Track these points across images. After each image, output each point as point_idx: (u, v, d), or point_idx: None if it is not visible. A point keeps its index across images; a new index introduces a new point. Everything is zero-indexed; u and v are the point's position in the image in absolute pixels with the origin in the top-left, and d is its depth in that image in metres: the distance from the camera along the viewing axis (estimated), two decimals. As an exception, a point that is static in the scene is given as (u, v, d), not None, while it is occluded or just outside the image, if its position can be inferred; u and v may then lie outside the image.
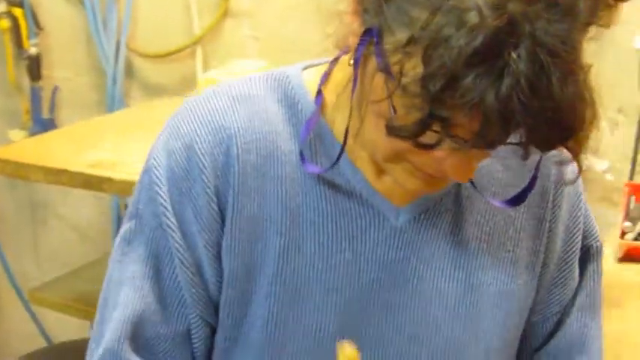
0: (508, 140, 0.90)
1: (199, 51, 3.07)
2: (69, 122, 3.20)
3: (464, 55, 0.85)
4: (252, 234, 1.08)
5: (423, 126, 0.89)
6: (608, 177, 2.65)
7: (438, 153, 0.95)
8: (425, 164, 1.00)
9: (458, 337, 1.14)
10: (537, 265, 1.19)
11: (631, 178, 2.56)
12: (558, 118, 0.88)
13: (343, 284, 1.09)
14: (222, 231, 1.08)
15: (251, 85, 1.12)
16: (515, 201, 1.08)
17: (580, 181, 1.23)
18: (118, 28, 3.15)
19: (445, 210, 1.13)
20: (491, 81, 0.85)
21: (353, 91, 1.01)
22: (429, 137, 0.90)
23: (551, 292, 1.22)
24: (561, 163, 1.17)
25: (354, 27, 0.96)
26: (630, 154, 2.56)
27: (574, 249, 1.23)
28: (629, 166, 2.58)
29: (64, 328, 3.08)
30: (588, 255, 1.26)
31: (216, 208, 1.07)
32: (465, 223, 1.14)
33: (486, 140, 0.89)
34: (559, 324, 1.24)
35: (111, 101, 3.18)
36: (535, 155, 0.96)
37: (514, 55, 0.85)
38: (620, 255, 2.17)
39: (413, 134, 0.91)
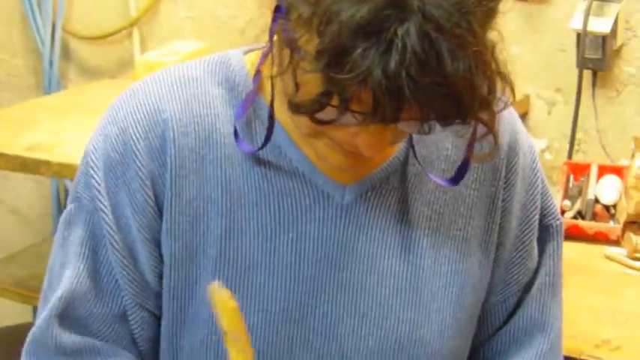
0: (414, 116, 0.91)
1: (136, 32, 3.04)
2: (5, 105, 3.15)
3: (349, 27, 0.85)
4: (193, 216, 1.07)
5: (321, 102, 0.90)
6: (547, 156, 2.68)
7: (352, 128, 0.96)
8: (341, 139, 1.00)
9: (410, 316, 1.13)
10: (491, 243, 1.19)
11: (569, 157, 2.58)
12: (452, 93, 0.88)
13: (289, 264, 1.09)
14: (159, 215, 1.07)
15: (191, 69, 1.12)
16: (454, 180, 1.09)
17: (537, 160, 1.23)
18: (54, 9, 3.10)
19: (392, 188, 1.13)
20: (379, 56, 0.85)
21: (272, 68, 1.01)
22: (330, 113, 0.91)
23: (509, 271, 1.22)
24: (512, 141, 1.17)
25: (269, 3, 0.97)
26: (568, 133, 2.58)
27: (531, 228, 1.22)
28: (567, 145, 2.60)
29: (4, 313, 3.04)
30: (547, 234, 1.25)
31: (150, 192, 1.07)
32: (414, 202, 1.14)
33: (381, 116, 0.89)
34: (519, 304, 1.24)
35: (48, 84, 3.13)
36: (481, 131, 0.97)
37: (402, 30, 0.85)
38: (559, 233, 2.19)
39: (312, 110, 0.92)
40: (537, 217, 1.22)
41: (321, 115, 0.92)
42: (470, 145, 1.03)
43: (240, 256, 1.08)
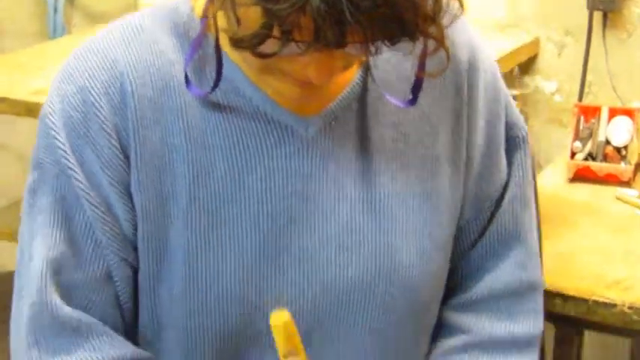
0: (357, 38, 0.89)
1: (140, -24, 3.02)
2: (10, 51, 3.13)
3: None
4: (159, 166, 1.06)
5: (261, 35, 0.89)
6: (557, 98, 2.66)
7: (300, 58, 0.94)
8: (292, 72, 1.00)
9: (387, 241, 1.12)
10: (460, 160, 1.18)
11: (580, 99, 2.56)
12: (394, 13, 0.87)
13: (260, 201, 1.08)
14: (128, 168, 1.06)
15: (141, 19, 1.10)
16: (411, 100, 1.08)
17: (498, 73, 1.23)
18: (58, -46, 3.07)
19: (355, 116, 1.12)
20: None
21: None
22: (273, 45, 0.90)
23: (479, 186, 1.22)
24: (471, 57, 1.17)
25: None
26: (578, 75, 2.56)
27: (497, 140, 1.22)
28: (577, 88, 2.58)
29: (10, 258, 3.02)
30: (514, 145, 1.25)
31: (117, 145, 1.05)
32: (378, 126, 1.13)
33: (324, 42, 0.88)
34: (492, 217, 1.24)
35: (52, 29, 3.11)
36: (441, 53, 0.96)
37: None
38: (570, 175, 2.18)
39: (253, 44, 0.90)
40: (502, 130, 1.23)
41: (264, 49, 0.91)
42: (421, 62, 1.02)
43: (211, 200, 1.07)
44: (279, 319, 0.93)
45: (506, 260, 1.25)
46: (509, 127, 1.24)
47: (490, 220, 1.24)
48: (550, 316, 1.73)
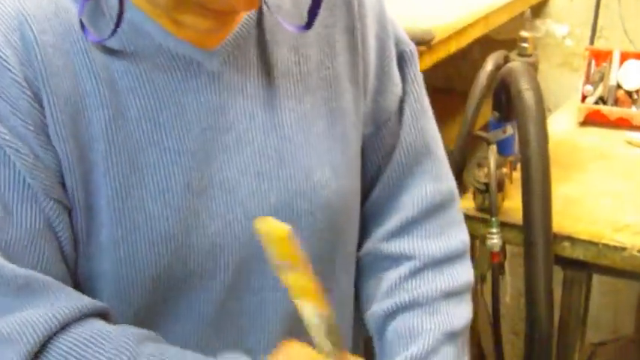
0: None
1: None
2: None
3: None
4: (74, 113, 1.03)
5: None
6: (568, 42, 2.64)
7: None
8: (212, 1, 1.00)
9: (303, 163, 1.13)
10: (359, 75, 1.20)
11: (591, 42, 2.54)
12: None
13: (177, 139, 1.06)
14: (45, 117, 1.02)
15: None
16: (306, 25, 1.10)
17: None
18: None
19: (255, 44, 1.12)
20: None
21: None
22: None
23: (376, 101, 1.23)
24: None
25: None
26: (590, 19, 2.53)
27: (389, 56, 1.23)
28: (589, 32, 2.56)
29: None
30: (404, 60, 1.26)
31: (30, 94, 1.01)
32: (279, 51, 1.13)
33: None
34: (396, 135, 1.25)
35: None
36: None
37: None
38: (580, 119, 2.17)
39: None
40: (393, 45, 1.24)
41: None
42: None
43: (129, 143, 1.05)
44: (271, 226, 0.90)
45: (421, 176, 1.26)
46: (397, 42, 1.25)
47: (395, 139, 1.25)
48: (559, 260, 1.74)
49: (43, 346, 0.99)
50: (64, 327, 1.00)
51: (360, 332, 1.32)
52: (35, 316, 0.99)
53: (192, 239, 1.07)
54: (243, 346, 1.12)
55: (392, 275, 1.25)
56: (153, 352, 0.99)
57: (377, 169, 1.26)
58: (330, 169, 1.16)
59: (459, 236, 1.28)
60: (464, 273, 1.27)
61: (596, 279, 1.98)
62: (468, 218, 1.80)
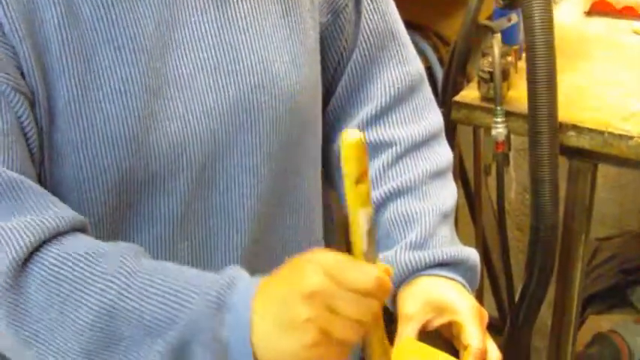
0: None
1: None
2: None
3: None
4: (27, 12, 0.99)
5: None
6: None
7: None
8: None
9: (260, 55, 1.11)
10: None
11: None
12: None
13: (132, 37, 1.03)
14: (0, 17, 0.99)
15: None
16: None
17: None
18: None
19: None
20: None
21: None
22: None
23: None
24: None
25: None
26: None
27: None
28: None
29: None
30: None
31: None
32: None
33: None
34: (356, 22, 1.23)
35: None
36: None
37: None
38: (586, 9, 2.13)
39: None
40: None
41: None
42: None
43: (83, 43, 1.01)
44: (353, 138, 0.88)
45: (387, 61, 1.25)
46: None
47: (357, 26, 1.23)
48: (564, 150, 1.72)
49: (32, 254, 0.96)
50: (54, 237, 0.98)
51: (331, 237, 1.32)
52: (24, 223, 0.96)
53: (152, 140, 1.04)
54: (212, 247, 1.11)
55: (374, 165, 1.24)
56: (149, 266, 0.97)
57: (340, 60, 1.24)
58: (289, 59, 1.13)
59: (433, 116, 1.28)
60: (444, 152, 1.27)
61: (602, 174, 1.96)
62: (472, 108, 1.80)
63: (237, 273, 0.95)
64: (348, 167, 0.88)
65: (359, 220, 0.89)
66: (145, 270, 0.96)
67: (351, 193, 0.89)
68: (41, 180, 1.03)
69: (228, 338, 0.91)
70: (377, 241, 0.92)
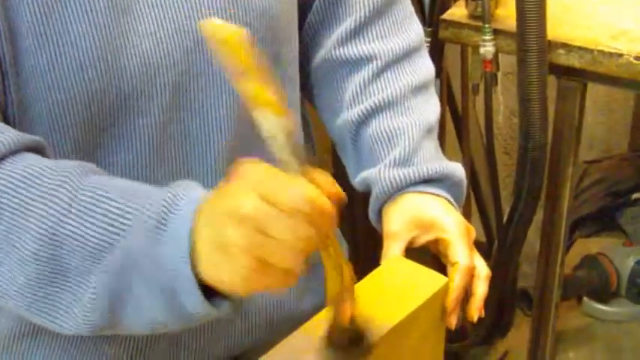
0: None
1: None
2: None
3: None
4: None
5: None
6: None
7: None
8: None
9: None
10: None
11: None
12: None
13: None
14: None
15: None
16: None
17: None
18: None
19: None
20: None
21: None
22: None
23: None
24: None
25: None
26: None
27: None
28: None
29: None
30: None
31: None
32: None
33: None
34: None
35: None
36: None
37: None
38: None
39: None
40: None
41: None
42: None
43: None
44: (220, 29, 0.79)
45: None
46: None
47: None
48: (553, 69, 1.69)
49: None
50: None
51: (309, 141, 1.28)
52: None
53: (123, 60, 0.99)
54: (190, 172, 1.07)
55: (355, 80, 1.21)
56: (95, 184, 0.91)
57: None
58: None
59: (414, 29, 1.24)
60: (425, 65, 1.24)
61: (590, 98, 1.93)
62: (460, 26, 1.76)
63: (182, 191, 0.89)
64: (227, 65, 0.79)
65: (263, 124, 0.79)
66: (89, 188, 0.90)
67: (241, 93, 0.80)
68: (7, 109, 0.99)
69: (169, 264, 0.85)
70: (298, 144, 0.81)
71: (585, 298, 2.11)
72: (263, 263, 0.79)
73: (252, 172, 0.81)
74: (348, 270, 0.87)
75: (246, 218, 0.78)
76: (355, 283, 0.89)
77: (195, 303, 0.86)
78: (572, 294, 2.10)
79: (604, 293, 2.09)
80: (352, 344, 0.91)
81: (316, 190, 0.79)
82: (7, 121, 0.98)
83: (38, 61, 0.97)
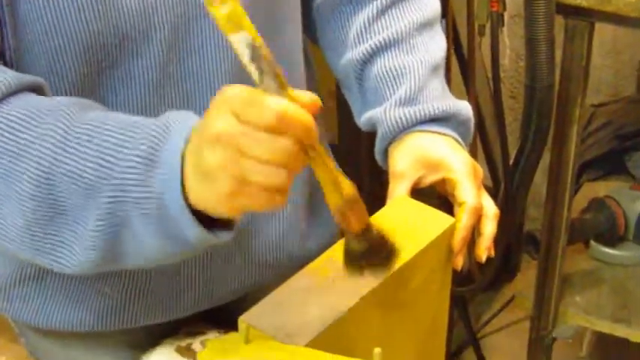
0: None
1: None
2: None
3: None
4: None
5: None
6: None
7: None
8: None
9: None
10: None
11: None
12: None
13: None
14: None
15: None
16: None
17: None
18: None
19: None
20: None
21: None
22: None
23: None
24: None
25: None
26: None
27: None
28: None
29: None
30: None
31: None
32: None
33: None
34: None
35: None
36: None
37: None
38: None
39: None
40: None
41: None
42: None
43: None
44: None
45: None
46: None
47: None
48: (560, 8, 1.66)
49: None
50: None
51: (312, 83, 1.26)
52: None
53: (120, 1, 0.97)
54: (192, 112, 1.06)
55: (359, 18, 1.19)
56: (90, 119, 0.90)
57: None
58: None
59: None
60: (431, 2, 1.21)
61: (597, 40, 1.89)
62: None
63: (174, 119, 0.88)
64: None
65: (235, 47, 0.79)
66: (84, 123, 0.89)
67: (215, 18, 0.79)
68: (6, 55, 0.97)
69: (161, 194, 0.85)
70: (277, 65, 0.80)
71: (592, 242, 2.08)
72: (243, 182, 0.79)
73: (229, 94, 0.80)
74: (346, 182, 0.86)
75: (221, 138, 0.78)
76: (358, 197, 0.87)
77: (189, 226, 0.85)
78: (579, 238, 2.08)
79: (611, 237, 2.07)
80: (371, 254, 0.91)
81: (290, 103, 0.78)
82: (5, 66, 0.96)
83: (34, 5, 0.95)
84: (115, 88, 1.02)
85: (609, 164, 2.33)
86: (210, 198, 0.82)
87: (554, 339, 1.99)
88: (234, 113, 0.78)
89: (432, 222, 1.05)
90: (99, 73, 1.00)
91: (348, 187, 0.86)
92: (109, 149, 0.87)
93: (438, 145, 1.12)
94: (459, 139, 1.15)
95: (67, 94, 0.99)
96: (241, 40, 0.79)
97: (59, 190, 0.88)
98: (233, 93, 0.80)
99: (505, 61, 2.53)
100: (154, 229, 0.87)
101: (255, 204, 0.81)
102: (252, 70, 0.79)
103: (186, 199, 0.84)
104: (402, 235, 1.02)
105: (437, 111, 1.13)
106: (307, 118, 0.78)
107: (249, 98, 0.78)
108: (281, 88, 0.79)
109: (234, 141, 0.78)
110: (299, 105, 0.78)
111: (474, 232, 1.11)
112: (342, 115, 2.13)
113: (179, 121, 0.87)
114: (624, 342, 1.92)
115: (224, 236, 0.87)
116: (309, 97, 0.81)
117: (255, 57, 0.79)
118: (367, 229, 0.89)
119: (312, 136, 0.79)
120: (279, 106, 0.77)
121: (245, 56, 0.79)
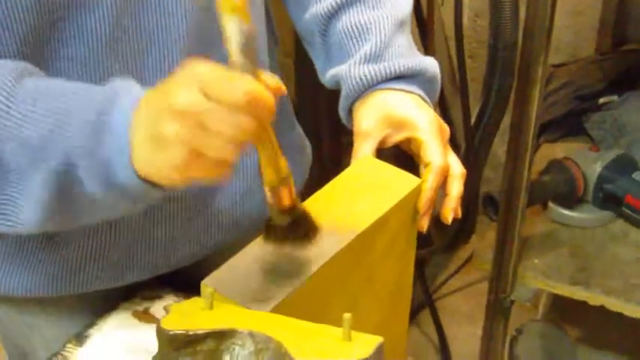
0: None
1: None
2: None
3: None
4: None
5: None
6: None
7: None
8: None
9: None
10: None
11: None
12: None
13: None
14: None
15: None
16: None
17: None
18: None
19: None
20: None
21: None
22: None
23: None
24: None
25: None
26: None
27: None
28: None
29: None
30: None
31: None
32: None
33: None
34: None
35: None
36: None
37: None
38: None
39: None
40: None
41: None
42: None
43: None
44: None
45: None
46: None
47: None
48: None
49: None
50: None
51: (273, 49, 1.23)
52: None
53: None
54: (146, 68, 1.02)
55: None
56: (33, 87, 0.88)
57: None
58: None
59: None
60: None
61: (558, 1, 1.87)
62: None
63: (123, 86, 0.87)
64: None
65: (227, 27, 0.79)
66: (26, 92, 0.87)
67: None
68: None
69: (110, 160, 0.84)
70: (257, 52, 0.81)
71: (551, 204, 2.07)
72: (197, 154, 0.79)
73: (199, 70, 0.79)
74: (283, 161, 0.86)
75: (185, 112, 0.78)
76: (290, 176, 0.88)
77: (129, 178, 0.85)
78: (538, 200, 2.07)
79: (570, 199, 2.05)
80: (293, 229, 0.90)
81: (256, 84, 0.78)
82: None
83: None
84: (67, 40, 0.97)
85: (568, 125, 2.31)
86: (162, 166, 0.81)
87: (512, 301, 1.98)
88: (203, 91, 0.77)
89: (397, 183, 1.02)
90: (49, 25, 0.95)
91: (284, 166, 0.86)
92: (56, 115, 0.86)
93: (404, 104, 1.09)
94: (425, 97, 1.11)
95: (17, 48, 0.95)
96: (230, 20, 0.79)
97: (4, 151, 0.86)
98: (204, 70, 0.79)
99: (464, 20, 2.50)
100: (100, 188, 0.87)
101: (204, 173, 0.81)
102: (233, 46, 0.80)
103: (132, 165, 0.84)
104: (367, 196, 0.99)
105: (403, 68, 1.10)
106: (272, 102, 0.78)
107: (221, 77, 0.78)
108: (254, 69, 0.79)
109: (199, 117, 0.78)
110: (265, 87, 0.78)
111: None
112: (301, 75, 2.09)
113: (126, 87, 0.86)
114: (581, 304, 1.91)
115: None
116: (275, 81, 0.81)
117: (247, 42, 0.79)
118: (293, 206, 0.89)
119: (270, 116, 0.80)
120: (250, 87, 0.77)
121: (234, 39, 0.79)
